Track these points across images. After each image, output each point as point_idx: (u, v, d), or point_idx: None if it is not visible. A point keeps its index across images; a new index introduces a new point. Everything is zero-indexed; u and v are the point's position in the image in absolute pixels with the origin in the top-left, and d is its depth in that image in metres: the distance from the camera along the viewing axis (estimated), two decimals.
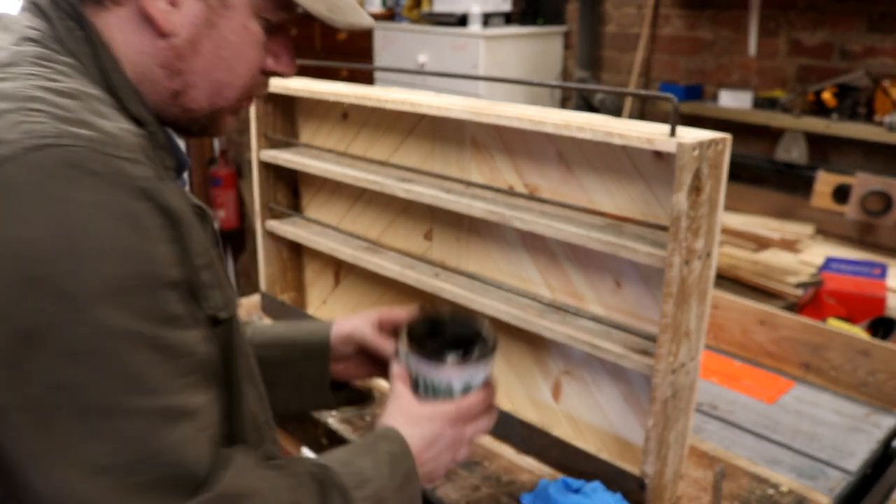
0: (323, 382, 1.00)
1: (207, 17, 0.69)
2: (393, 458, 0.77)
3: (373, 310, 1.02)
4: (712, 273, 0.97)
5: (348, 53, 3.87)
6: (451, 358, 0.85)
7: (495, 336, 0.90)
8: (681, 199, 0.87)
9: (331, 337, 1.00)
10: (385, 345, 0.98)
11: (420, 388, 0.86)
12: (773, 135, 2.75)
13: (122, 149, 0.58)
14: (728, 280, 1.83)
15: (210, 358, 0.65)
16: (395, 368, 0.88)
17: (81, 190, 0.54)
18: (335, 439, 1.22)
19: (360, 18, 0.75)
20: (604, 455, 1.08)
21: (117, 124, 0.61)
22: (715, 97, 2.92)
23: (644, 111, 3.27)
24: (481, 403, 0.87)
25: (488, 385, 0.89)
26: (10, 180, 0.53)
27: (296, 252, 1.61)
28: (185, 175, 0.79)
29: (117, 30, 0.68)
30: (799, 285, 1.70)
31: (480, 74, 3.03)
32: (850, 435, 1.24)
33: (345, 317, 1.03)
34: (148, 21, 0.68)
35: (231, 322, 0.71)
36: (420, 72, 1.27)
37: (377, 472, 0.75)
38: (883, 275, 1.67)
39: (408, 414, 0.83)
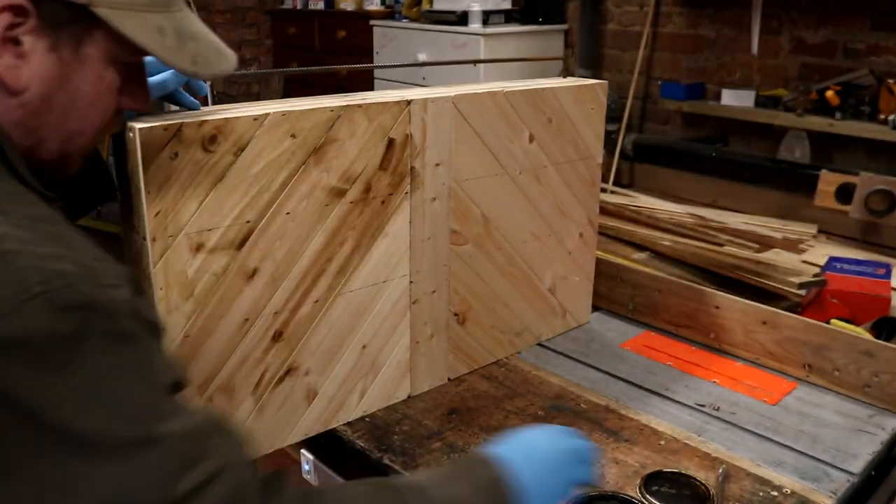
0: None
1: (59, 71, 0.66)
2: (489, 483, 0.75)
3: None
4: None
5: (348, 52, 3.87)
6: None
7: None
8: None
9: None
10: None
11: None
12: (775, 134, 2.74)
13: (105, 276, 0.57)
14: (730, 280, 1.81)
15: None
16: None
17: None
18: (334, 440, 1.21)
19: (224, 64, 0.76)
20: None
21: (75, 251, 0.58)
22: (717, 96, 2.91)
23: (645, 110, 3.26)
24: None
25: None
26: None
27: None
28: None
29: None
30: (802, 285, 1.69)
31: (481, 70, 3.02)
32: (854, 436, 1.22)
33: None
34: None
35: None
36: (417, 64, 1.28)
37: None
38: (887, 275, 1.66)
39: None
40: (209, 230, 0.99)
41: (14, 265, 0.53)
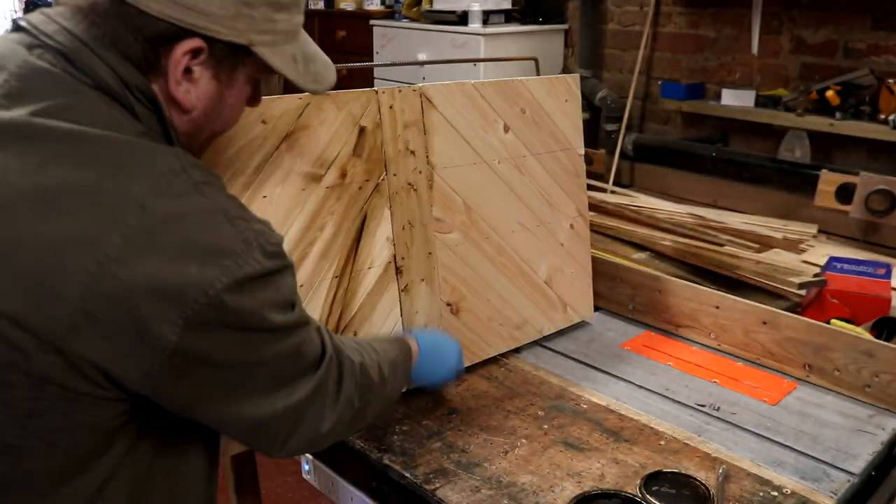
0: None
1: (218, 93, 0.83)
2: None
3: None
4: None
5: (348, 51, 3.86)
6: None
7: None
8: None
9: None
10: None
11: None
12: (775, 134, 2.73)
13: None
14: (730, 280, 1.81)
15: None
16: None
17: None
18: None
19: (332, 76, 0.92)
20: None
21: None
22: (717, 96, 2.91)
23: (645, 110, 3.25)
24: None
25: None
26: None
27: None
28: None
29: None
30: (802, 285, 1.68)
31: (480, 70, 3.02)
32: (854, 436, 1.22)
33: None
34: (173, 102, 0.80)
35: None
36: (418, 62, 1.32)
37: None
38: (887, 275, 1.66)
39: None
40: None
41: (238, 227, 0.74)
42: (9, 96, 0.71)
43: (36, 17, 0.77)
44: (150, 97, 0.78)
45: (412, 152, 1.27)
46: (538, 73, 1.73)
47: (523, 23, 3.39)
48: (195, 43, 0.77)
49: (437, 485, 1.08)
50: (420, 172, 1.29)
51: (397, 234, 1.27)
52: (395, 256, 1.27)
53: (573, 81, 1.52)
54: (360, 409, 0.93)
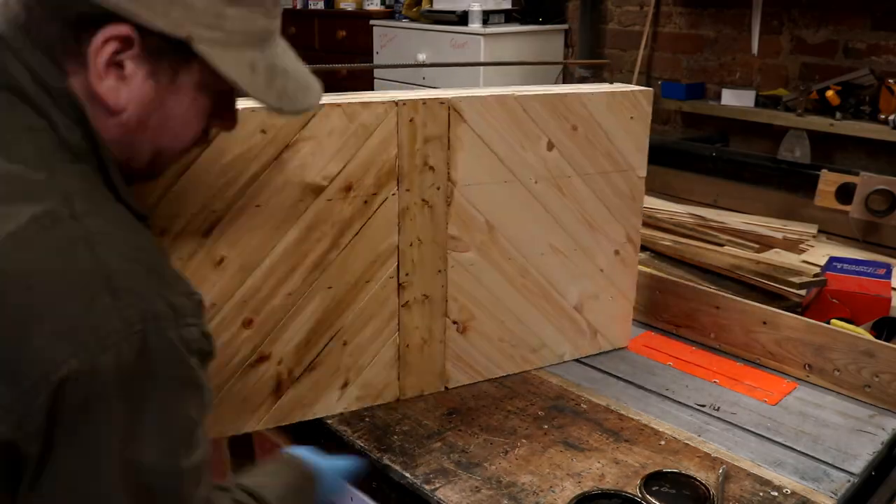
0: None
1: (156, 96, 0.70)
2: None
3: None
4: None
5: (348, 51, 3.86)
6: None
7: None
8: None
9: None
10: None
11: None
12: (775, 134, 2.73)
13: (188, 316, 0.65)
14: (730, 280, 1.81)
15: None
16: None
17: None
18: (333, 440, 1.21)
19: (310, 100, 0.79)
20: None
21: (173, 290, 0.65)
22: (717, 96, 2.91)
23: None
24: None
25: None
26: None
27: None
28: None
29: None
30: (802, 285, 1.69)
31: (480, 71, 3.02)
32: (854, 437, 1.22)
33: None
34: (96, 99, 0.68)
35: None
36: (418, 65, 1.27)
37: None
38: (887, 275, 1.66)
39: None
40: (175, 216, 1.02)
41: (122, 302, 0.59)
42: None
43: None
44: (72, 104, 0.67)
45: (431, 168, 1.21)
46: (601, 80, 1.63)
47: (523, 23, 3.39)
48: (122, 30, 0.65)
49: (438, 485, 1.08)
50: (438, 188, 1.23)
51: (403, 250, 1.23)
52: (398, 271, 1.24)
53: (644, 97, 1.37)
54: None
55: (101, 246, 0.60)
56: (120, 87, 0.68)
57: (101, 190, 0.68)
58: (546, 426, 1.24)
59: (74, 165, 0.66)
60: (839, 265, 1.71)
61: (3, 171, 0.61)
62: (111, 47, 0.66)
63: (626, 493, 1.06)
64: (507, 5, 3.36)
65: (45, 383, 0.55)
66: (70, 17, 0.65)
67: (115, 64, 0.67)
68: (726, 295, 1.53)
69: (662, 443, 1.20)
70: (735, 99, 2.82)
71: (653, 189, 2.68)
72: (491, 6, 3.27)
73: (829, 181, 2.22)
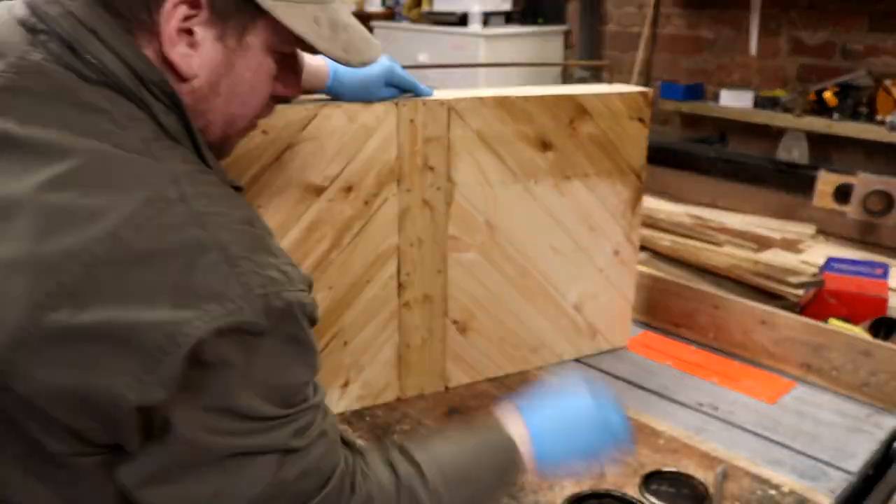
0: None
1: (225, 59, 0.71)
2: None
3: None
4: None
5: None
6: None
7: None
8: None
9: None
10: None
11: None
12: (774, 134, 2.74)
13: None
14: (729, 280, 1.82)
15: None
16: None
17: None
18: None
19: (373, 52, 0.80)
20: None
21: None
22: (716, 97, 2.92)
23: None
24: None
25: None
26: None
27: None
28: None
29: None
30: (800, 285, 1.70)
31: (480, 72, 3.03)
32: (852, 435, 1.23)
33: None
34: (168, 66, 0.69)
35: None
36: (418, 66, 1.27)
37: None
38: (885, 275, 1.67)
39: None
40: None
41: (240, 269, 0.62)
42: (6, 90, 0.64)
43: None
44: (166, 91, 0.69)
45: (431, 168, 1.21)
46: (600, 81, 1.66)
47: (523, 24, 3.40)
48: None
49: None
50: (438, 189, 1.22)
51: (404, 250, 1.23)
52: (398, 271, 1.24)
53: (643, 98, 1.37)
54: None
55: (211, 224, 0.63)
56: (191, 53, 0.69)
57: (201, 167, 0.70)
58: None
59: (175, 150, 0.68)
60: (837, 265, 1.72)
61: (117, 160, 0.63)
62: (181, 12, 0.66)
63: (616, 492, 1.06)
64: (507, 7, 3.37)
65: (174, 350, 0.58)
66: None
67: (185, 30, 0.68)
68: (725, 295, 1.54)
69: (661, 442, 1.20)
70: (734, 100, 2.83)
71: (652, 189, 2.69)
72: (491, 8, 3.28)
73: (827, 182, 2.23)
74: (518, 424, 0.86)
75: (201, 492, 0.64)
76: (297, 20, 0.71)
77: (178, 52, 0.68)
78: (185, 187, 0.64)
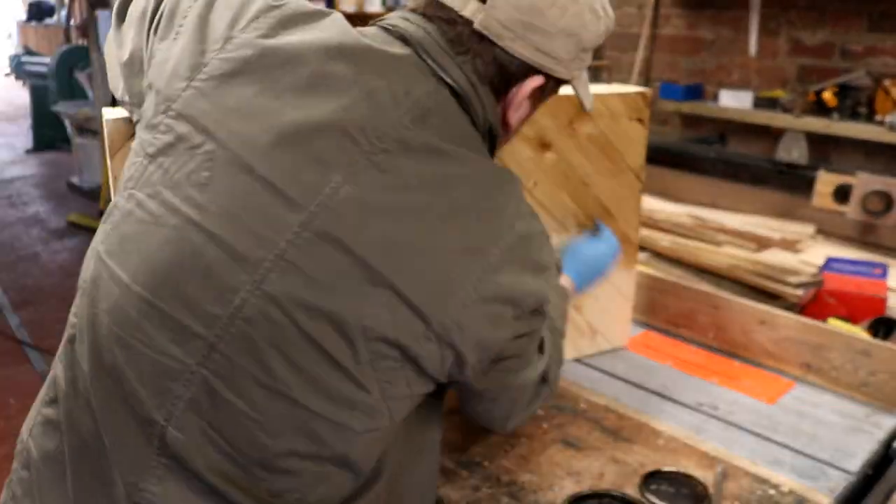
0: None
1: (528, 115, 0.93)
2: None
3: None
4: None
5: None
6: None
7: None
8: None
9: None
10: None
11: None
12: (773, 135, 2.75)
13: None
14: (728, 280, 1.83)
15: None
16: None
17: None
18: None
19: (592, 99, 0.99)
20: None
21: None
22: (715, 97, 2.92)
23: None
24: None
25: None
26: None
27: None
28: None
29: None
30: (799, 285, 1.70)
31: None
32: (851, 435, 1.23)
33: None
34: (503, 122, 0.91)
35: None
36: None
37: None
38: (884, 275, 1.67)
39: None
40: None
41: (550, 248, 0.87)
42: (421, 119, 0.79)
43: (428, 43, 0.83)
44: (493, 132, 0.89)
45: None
46: (600, 82, 1.64)
47: None
48: (540, 80, 0.88)
49: (438, 483, 1.09)
50: None
51: None
52: None
53: (643, 98, 1.38)
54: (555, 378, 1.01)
55: (534, 213, 0.85)
56: (517, 114, 0.91)
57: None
58: (545, 425, 1.25)
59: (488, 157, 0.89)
60: (836, 265, 1.73)
61: (489, 166, 0.84)
62: (528, 92, 0.88)
63: (616, 492, 1.07)
64: None
65: (534, 305, 0.83)
66: (510, 72, 0.86)
67: (520, 102, 0.89)
68: (724, 295, 1.54)
69: (661, 442, 1.20)
70: (733, 100, 2.83)
71: (651, 190, 2.69)
72: None
73: (826, 182, 2.23)
74: (565, 278, 1.18)
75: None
76: (583, 89, 0.95)
77: (515, 117, 0.91)
78: (521, 185, 0.85)
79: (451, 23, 0.84)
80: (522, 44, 0.84)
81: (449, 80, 0.83)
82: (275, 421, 0.74)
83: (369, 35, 0.86)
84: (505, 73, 0.86)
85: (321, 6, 0.90)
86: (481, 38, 0.84)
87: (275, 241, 0.73)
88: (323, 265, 0.73)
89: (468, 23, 0.84)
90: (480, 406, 0.96)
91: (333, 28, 0.83)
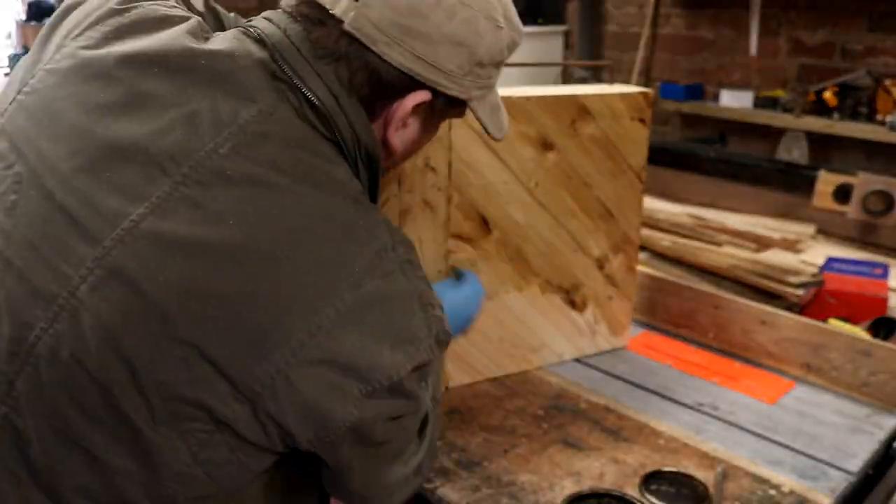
0: None
1: (419, 137, 0.85)
2: None
3: None
4: None
5: None
6: None
7: None
8: None
9: None
10: None
11: None
12: (773, 134, 2.75)
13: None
14: (729, 280, 1.82)
15: None
16: None
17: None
18: None
19: (506, 125, 0.91)
20: None
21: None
22: (716, 97, 2.92)
23: None
24: None
25: None
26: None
27: None
28: None
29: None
30: (800, 285, 1.70)
31: None
32: (852, 435, 1.23)
33: None
34: (384, 143, 0.82)
35: None
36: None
37: None
38: (884, 275, 1.67)
39: None
40: None
41: (427, 314, 0.74)
42: (248, 145, 0.69)
43: (285, 46, 0.74)
44: (373, 156, 0.80)
45: (432, 169, 1.20)
46: (600, 81, 1.65)
47: (523, 24, 3.40)
48: (425, 96, 0.78)
49: (437, 484, 1.08)
50: (440, 190, 1.22)
51: None
52: None
53: (645, 98, 1.37)
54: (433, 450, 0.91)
55: (409, 272, 0.74)
56: (401, 135, 0.82)
57: (387, 219, 0.78)
58: (545, 425, 1.24)
59: (374, 206, 0.79)
60: (837, 265, 1.72)
61: (347, 210, 0.73)
62: (411, 108, 0.79)
63: (616, 492, 1.07)
64: None
65: (387, 381, 0.70)
66: (386, 83, 0.76)
67: (404, 120, 0.80)
68: (725, 295, 1.54)
69: (661, 442, 1.20)
70: (733, 100, 2.83)
71: (652, 190, 2.69)
72: None
73: (826, 182, 2.23)
74: None
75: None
76: (483, 112, 0.85)
77: (397, 136, 0.82)
78: (393, 234, 0.74)
79: (320, 23, 0.74)
80: (400, 50, 0.74)
81: (305, 90, 0.73)
82: (74, 471, 0.68)
83: (222, 40, 0.75)
84: (380, 84, 0.76)
85: (183, 11, 0.80)
86: (352, 41, 0.74)
87: (69, 276, 0.66)
88: (114, 308, 0.65)
89: (338, 23, 0.73)
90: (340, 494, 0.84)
91: (170, 36, 0.74)
